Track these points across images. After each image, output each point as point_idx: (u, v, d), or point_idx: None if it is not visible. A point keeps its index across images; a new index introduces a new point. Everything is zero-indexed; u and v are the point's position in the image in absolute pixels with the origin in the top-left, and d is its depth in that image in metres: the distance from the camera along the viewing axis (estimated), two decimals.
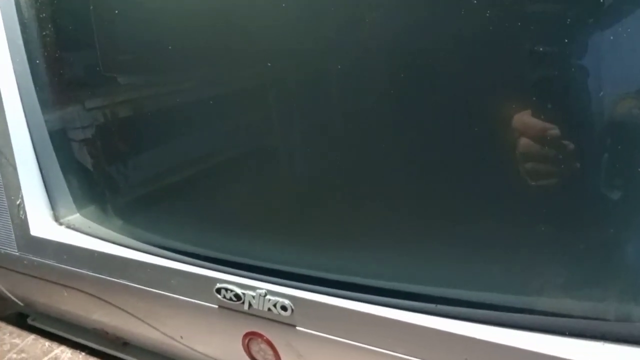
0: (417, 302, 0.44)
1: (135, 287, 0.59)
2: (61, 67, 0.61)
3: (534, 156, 0.38)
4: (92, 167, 0.64)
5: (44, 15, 0.58)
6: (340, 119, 0.46)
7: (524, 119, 0.38)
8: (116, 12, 0.54)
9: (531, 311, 0.41)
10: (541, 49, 0.37)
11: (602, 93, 0.36)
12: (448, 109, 0.41)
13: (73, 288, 0.65)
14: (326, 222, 0.49)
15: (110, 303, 0.63)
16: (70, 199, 0.66)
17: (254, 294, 0.50)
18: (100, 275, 0.61)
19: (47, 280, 0.67)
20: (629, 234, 0.38)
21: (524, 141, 0.38)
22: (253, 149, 0.51)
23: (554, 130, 0.37)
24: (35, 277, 0.67)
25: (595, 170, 0.38)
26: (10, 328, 0.78)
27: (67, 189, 0.65)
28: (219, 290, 0.52)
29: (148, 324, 0.62)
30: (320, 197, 0.49)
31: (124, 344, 0.70)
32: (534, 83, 0.38)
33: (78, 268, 0.63)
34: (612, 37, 0.35)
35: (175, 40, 0.51)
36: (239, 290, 0.51)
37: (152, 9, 0.52)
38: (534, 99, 0.38)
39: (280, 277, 0.50)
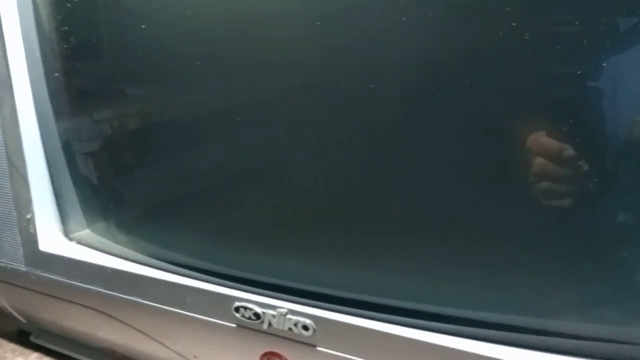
0: (446, 323, 0.44)
1: (147, 304, 0.58)
2: (76, 79, 0.60)
3: (549, 176, 0.38)
4: (103, 181, 0.63)
5: (63, 27, 0.57)
6: (360, 132, 0.46)
7: (540, 138, 0.38)
8: (130, 26, 0.54)
9: (561, 334, 0.40)
10: (559, 69, 0.37)
11: (619, 115, 0.36)
12: (463, 127, 0.41)
13: (82, 305, 0.64)
14: (350, 239, 0.48)
15: (120, 320, 0.62)
16: (81, 213, 0.64)
17: (274, 313, 0.49)
18: (110, 292, 0.60)
19: (55, 297, 0.65)
20: None
21: (539, 161, 0.38)
22: (272, 162, 0.50)
23: (570, 151, 0.37)
24: (43, 293, 0.66)
25: (611, 192, 0.37)
26: (12, 345, 0.76)
27: (77, 204, 0.64)
28: (237, 309, 0.51)
29: (159, 342, 0.60)
30: (344, 213, 0.48)
31: None
32: (550, 103, 0.38)
33: (88, 284, 0.61)
34: (630, 59, 0.35)
35: (186, 52, 0.50)
36: (258, 309, 0.50)
37: (166, 20, 0.52)
38: (550, 118, 0.38)
39: (302, 296, 0.49)
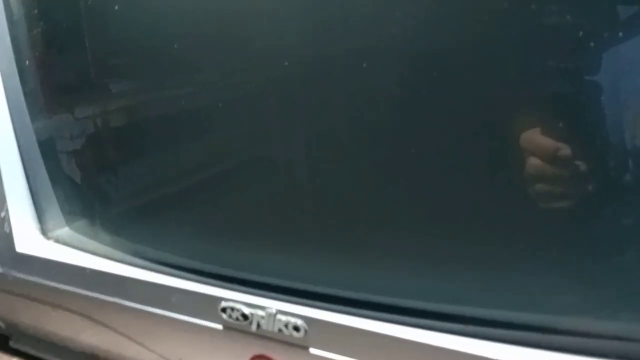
0: (445, 322, 0.41)
1: (130, 305, 0.56)
2: (51, 71, 0.58)
3: (544, 177, 0.37)
4: (83, 177, 0.61)
5: (34, 12, 0.54)
6: (349, 127, 0.45)
7: (535, 137, 0.36)
8: (111, 12, 0.51)
9: (573, 333, 0.38)
10: (554, 62, 0.35)
11: (618, 111, 0.34)
12: (455, 125, 0.40)
13: (62, 307, 0.61)
14: (343, 234, 0.46)
15: (102, 323, 0.60)
16: (59, 211, 0.62)
17: (263, 313, 0.47)
18: (91, 293, 0.58)
19: (34, 299, 0.63)
20: None
21: (533, 161, 0.37)
22: (258, 157, 0.49)
23: (566, 151, 0.36)
24: (21, 295, 0.63)
25: (609, 193, 0.36)
26: None
27: (55, 201, 0.62)
28: (224, 310, 0.49)
29: (144, 346, 0.58)
30: (336, 207, 0.46)
31: None
32: (545, 99, 0.36)
33: (68, 285, 0.59)
34: (629, 53, 0.33)
35: (171, 44, 0.49)
36: (246, 310, 0.48)
37: (148, 11, 0.50)
38: (546, 116, 0.36)
39: (293, 295, 0.47)
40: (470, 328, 0.41)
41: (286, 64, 0.44)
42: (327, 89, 0.44)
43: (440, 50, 0.39)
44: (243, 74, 0.47)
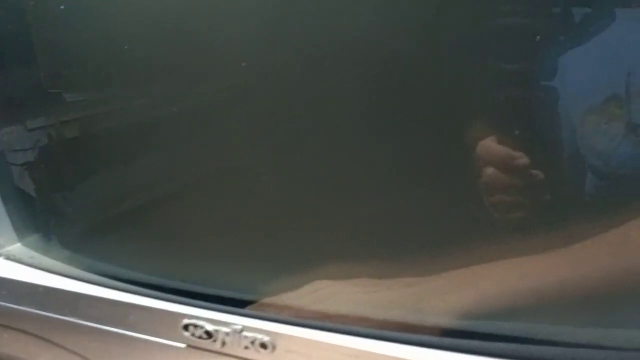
0: (420, 335, 0.40)
1: (87, 325, 0.53)
2: (1, 81, 0.56)
3: (501, 187, 0.35)
4: (36, 191, 0.58)
5: None
6: (314, 133, 0.43)
7: (491, 146, 0.35)
8: (62, 20, 0.50)
9: (554, 343, 0.37)
10: (510, 67, 0.34)
11: (575, 117, 0.33)
12: (408, 133, 0.39)
13: (14, 329, 0.58)
14: (309, 246, 0.45)
15: (58, 345, 0.56)
16: (11, 227, 0.59)
17: (228, 330, 0.45)
18: (46, 313, 0.55)
19: None
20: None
21: (489, 171, 0.35)
22: (220, 168, 0.47)
23: (523, 159, 0.35)
24: None
25: (567, 203, 0.35)
26: None
27: (7, 216, 0.59)
28: (186, 327, 0.46)
29: None
30: (298, 220, 0.45)
31: None
32: (500, 106, 0.35)
33: (20, 305, 0.56)
34: (585, 57, 0.33)
35: (127, 53, 0.47)
36: (210, 327, 0.45)
37: (102, 18, 0.49)
38: (500, 123, 0.35)
39: (259, 311, 0.45)
40: (457, 341, 0.39)
41: (245, 71, 0.43)
42: (279, 98, 0.43)
43: (392, 57, 0.38)
44: (199, 83, 0.45)
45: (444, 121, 0.37)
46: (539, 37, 0.33)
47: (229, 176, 0.47)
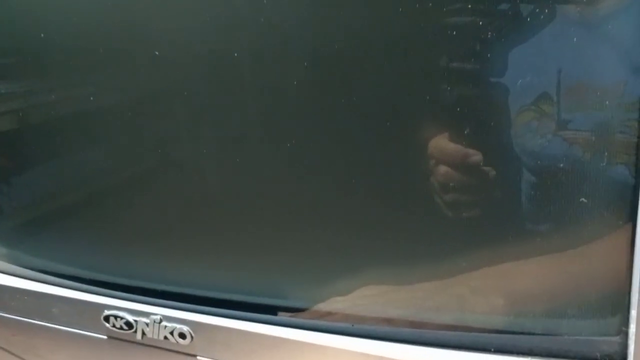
0: (333, 322, 0.40)
1: (9, 318, 0.52)
2: None
3: (453, 185, 0.35)
4: None
5: None
6: (247, 125, 0.42)
7: (442, 143, 0.35)
8: None
9: (457, 327, 0.38)
10: (458, 64, 0.34)
11: (526, 113, 0.33)
12: (360, 131, 0.38)
13: None
14: (227, 235, 0.44)
15: None
16: None
17: (147, 320, 0.44)
18: None
19: None
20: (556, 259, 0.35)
21: (442, 169, 0.35)
22: (146, 159, 0.46)
23: (475, 157, 0.34)
24: None
25: (520, 197, 0.35)
26: None
27: None
28: (107, 318, 0.46)
29: None
30: (220, 207, 0.45)
31: None
32: (451, 103, 0.34)
33: None
34: (518, 51, 0.33)
35: (66, 38, 0.46)
36: (130, 317, 0.45)
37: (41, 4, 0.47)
38: (451, 121, 0.34)
39: (177, 300, 0.45)
40: (366, 327, 0.40)
41: (194, 63, 0.42)
42: (233, 89, 0.41)
43: (341, 53, 0.37)
44: (136, 74, 0.44)
45: (396, 120, 0.36)
46: (482, 35, 0.33)
47: (150, 168, 0.46)
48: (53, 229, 0.52)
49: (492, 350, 0.36)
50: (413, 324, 0.39)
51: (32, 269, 0.52)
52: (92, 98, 0.46)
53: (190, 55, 0.42)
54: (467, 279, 0.37)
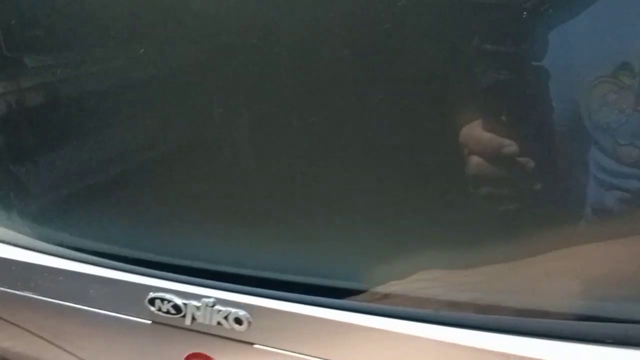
0: (411, 308, 0.38)
1: (42, 300, 0.51)
2: None
3: (487, 177, 0.34)
4: None
5: None
6: (290, 114, 0.42)
7: (476, 133, 0.33)
8: None
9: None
10: (494, 46, 0.32)
11: (569, 101, 0.32)
12: (388, 120, 0.37)
13: None
14: (288, 211, 0.43)
15: (10, 322, 0.55)
16: None
17: (198, 304, 0.43)
18: None
19: None
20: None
21: (475, 160, 0.34)
22: (188, 138, 0.46)
23: (511, 148, 0.33)
24: None
25: (564, 192, 0.33)
26: None
27: None
28: (152, 301, 0.45)
29: (60, 348, 0.54)
30: (278, 183, 0.43)
31: None
32: (485, 89, 0.33)
33: None
34: (577, 34, 0.31)
35: (94, 12, 0.45)
36: (178, 301, 0.44)
37: None
38: (486, 108, 0.33)
39: (233, 282, 0.43)
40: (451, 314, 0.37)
41: (229, 41, 0.41)
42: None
43: (370, 40, 0.36)
44: (177, 49, 0.44)
45: (426, 108, 0.36)
46: (525, 13, 0.31)
47: (194, 146, 0.46)
48: (92, 203, 0.52)
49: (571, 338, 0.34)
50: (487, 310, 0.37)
51: (67, 247, 0.51)
52: (120, 74, 0.47)
53: (225, 31, 0.41)
54: (543, 261, 0.35)
